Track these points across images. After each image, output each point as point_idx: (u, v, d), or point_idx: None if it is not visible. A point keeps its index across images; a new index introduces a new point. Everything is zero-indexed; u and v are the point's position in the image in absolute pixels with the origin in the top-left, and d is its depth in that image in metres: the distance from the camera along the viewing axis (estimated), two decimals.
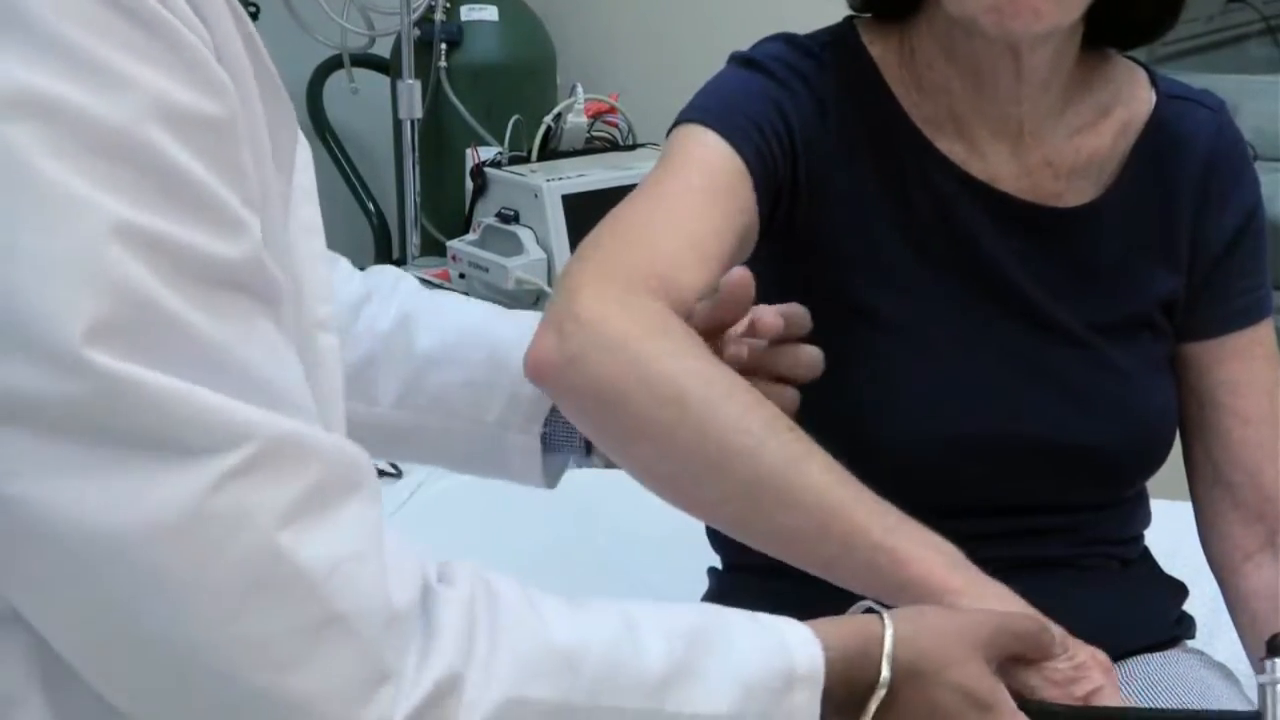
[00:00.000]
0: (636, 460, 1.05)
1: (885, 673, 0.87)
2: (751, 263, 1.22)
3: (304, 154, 0.89)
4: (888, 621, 0.89)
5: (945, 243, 1.24)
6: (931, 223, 1.24)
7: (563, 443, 1.19)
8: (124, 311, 0.66)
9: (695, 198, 1.14)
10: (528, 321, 1.16)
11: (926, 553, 1.01)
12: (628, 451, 1.05)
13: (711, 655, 0.82)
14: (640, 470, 1.05)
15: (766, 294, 1.24)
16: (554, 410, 1.16)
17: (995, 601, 0.99)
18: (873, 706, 0.87)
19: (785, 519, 1.01)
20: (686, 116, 1.21)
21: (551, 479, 1.22)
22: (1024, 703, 0.93)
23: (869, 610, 0.93)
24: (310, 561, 0.69)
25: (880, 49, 1.26)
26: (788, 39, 1.27)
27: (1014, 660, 0.96)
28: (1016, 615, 0.98)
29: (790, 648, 0.85)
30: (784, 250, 1.22)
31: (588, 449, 1.20)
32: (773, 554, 1.05)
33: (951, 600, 0.98)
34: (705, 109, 1.21)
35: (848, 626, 0.90)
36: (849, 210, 1.23)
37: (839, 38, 1.27)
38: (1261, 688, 0.97)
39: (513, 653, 0.76)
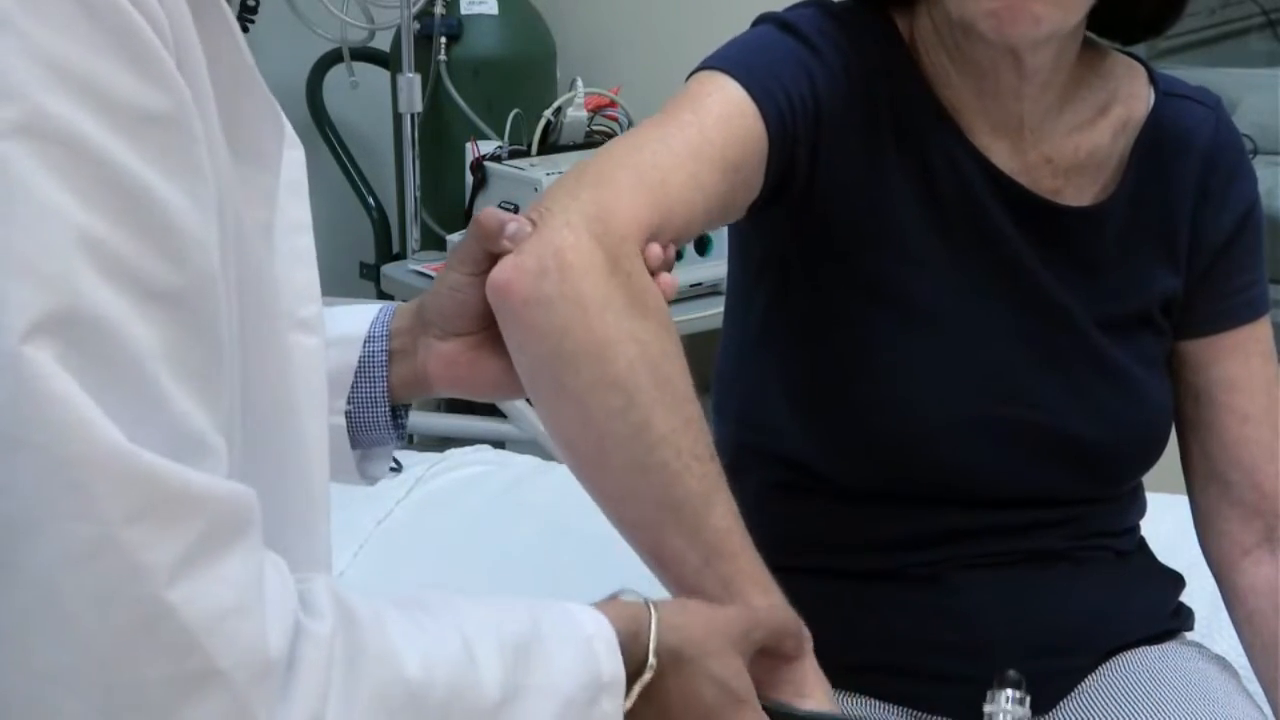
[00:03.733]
0: (559, 420, 1.03)
1: (651, 659, 0.89)
2: (766, 232, 1.22)
3: (295, 153, 0.87)
4: (653, 610, 0.92)
5: (965, 224, 1.23)
6: (952, 203, 1.22)
7: (369, 427, 1.13)
8: (61, 317, 0.64)
9: (708, 156, 1.10)
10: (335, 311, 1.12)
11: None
12: (556, 408, 1.02)
13: (534, 673, 0.83)
14: (557, 429, 1.03)
15: (779, 266, 1.24)
16: (358, 397, 1.11)
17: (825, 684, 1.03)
18: (636, 690, 0.89)
19: (678, 541, 1.02)
20: (713, 64, 1.16)
21: (368, 471, 1.16)
22: (765, 701, 0.97)
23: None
24: (196, 618, 0.68)
25: (906, 24, 1.24)
26: (820, 4, 1.23)
27: (765, 655, 0.98)
28: (774, 609, 1.01)
29: (598, 656, 0.86)
30: (799, 222, 1.20)
31: (397, 429, 1.14)
32: (642, 557, 1.05)
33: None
34: (734, 61, 1.16)
35: (621, 611, 0.91)
36: (869, 185, 1.20)
37: (869, 7, 1.24)
38: (989, 716, 1.01)
39: (370, 692, 0.75)
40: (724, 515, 1.02)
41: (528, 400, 1.07)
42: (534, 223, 1.03)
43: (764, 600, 1.02)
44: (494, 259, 1.03)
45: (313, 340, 0.87)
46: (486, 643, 0.81)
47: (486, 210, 1.05)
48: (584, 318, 0.99)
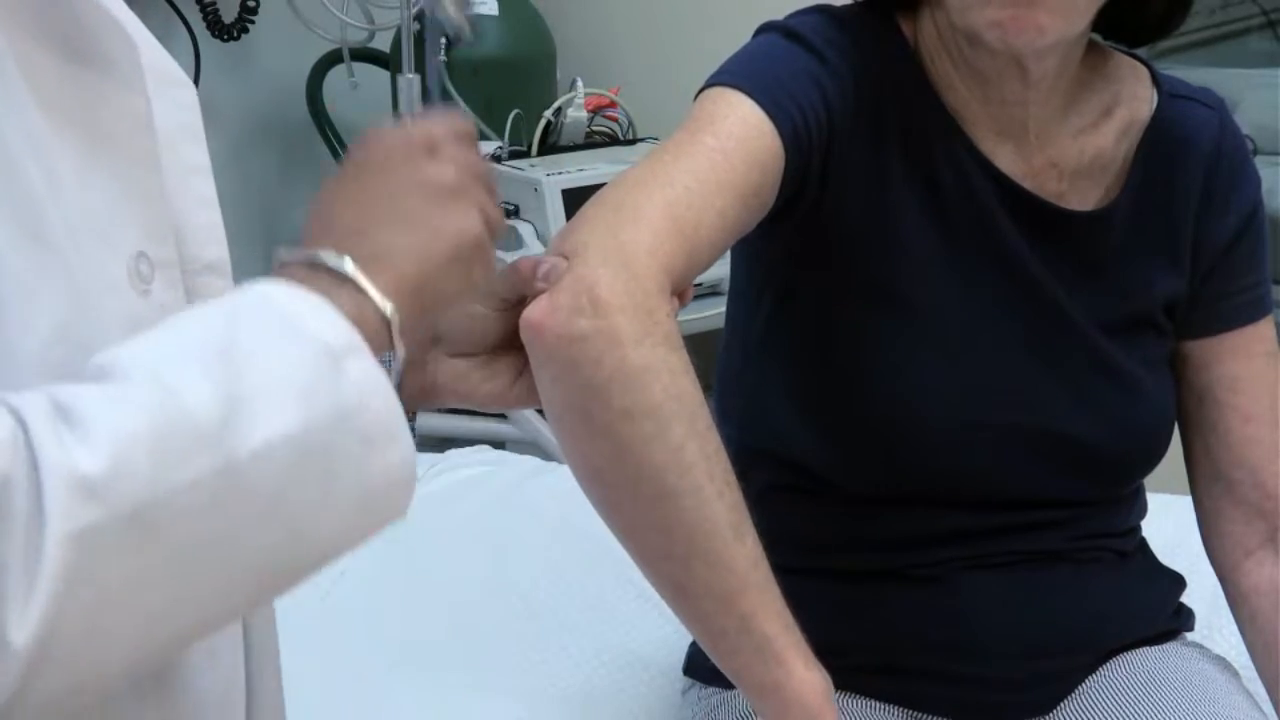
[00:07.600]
0: (590, 452, 1.02)
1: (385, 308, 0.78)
2: (773, 240, 1.22)
3: (183, 92, 0.86)
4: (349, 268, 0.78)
5: (970, 230, 1.23)
6: (957, 207, 1.22)
7: None
8: None
9: (732, 186, 1.09)
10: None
11: (810, 674, 1.02)
12: (586, 439, 1.01)
13: (248, 376, 0.71)
14: (586, 462, 1.02)
15: (785, 270, 1.24)
16: None
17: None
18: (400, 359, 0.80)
19: (702, 572, 1.01)
20: (724, 80, 1.15)
21: None
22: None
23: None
24: None
25: (910, 28, 1.24)
26: (824, 10, 1.23)
27: None
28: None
29: (309, 332, 0.74)
30: (806, 229, 1.20)
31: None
32: (663, 594, 1.05)
33: None
34: (746, 76, 1.15)
35: (309, 275, 0.78)
36: (876, 192, 1.20)
37: (874, 12, 1.23)
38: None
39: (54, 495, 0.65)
40: (754, 545, 1.01)
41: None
42: (567, 258, 1.03)
43: (786, 638, 1.01)
44: (523, 297, 1.03)
45: (222, 282, 0.85)
46: (186, 371, 0.70)
47: (523, 259, 1.04)
48: (619, 349, 0.99)
